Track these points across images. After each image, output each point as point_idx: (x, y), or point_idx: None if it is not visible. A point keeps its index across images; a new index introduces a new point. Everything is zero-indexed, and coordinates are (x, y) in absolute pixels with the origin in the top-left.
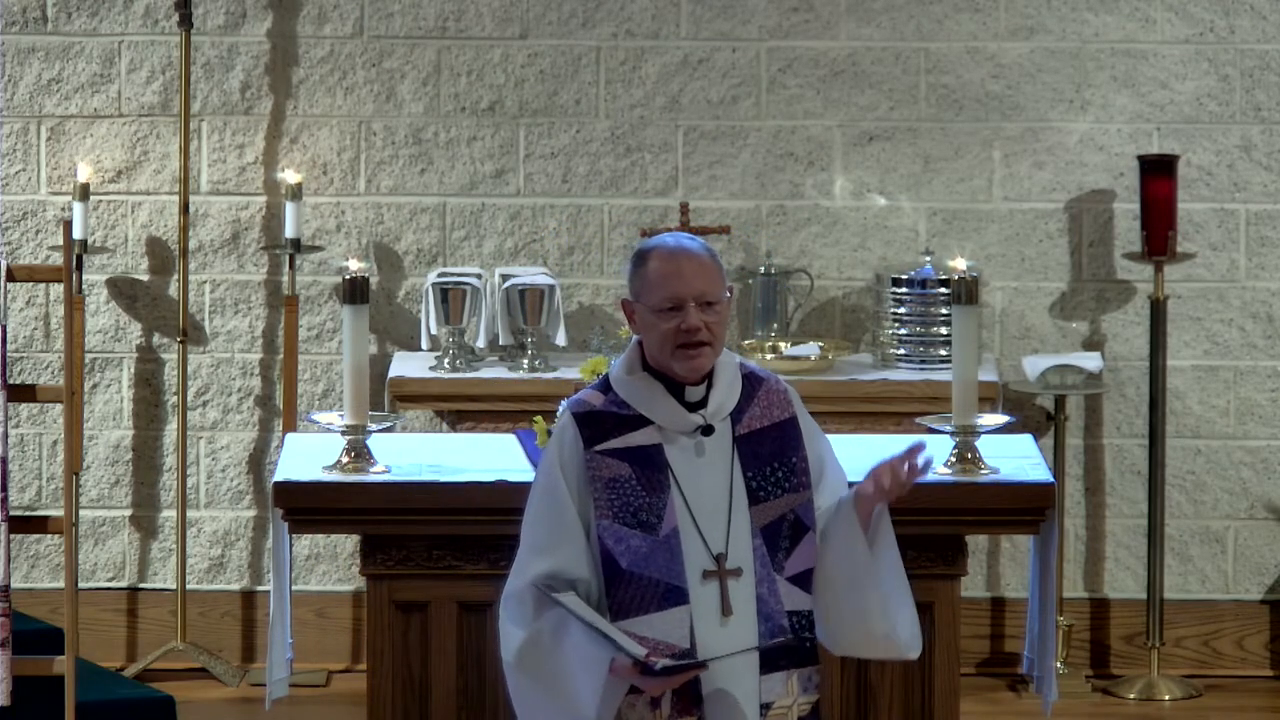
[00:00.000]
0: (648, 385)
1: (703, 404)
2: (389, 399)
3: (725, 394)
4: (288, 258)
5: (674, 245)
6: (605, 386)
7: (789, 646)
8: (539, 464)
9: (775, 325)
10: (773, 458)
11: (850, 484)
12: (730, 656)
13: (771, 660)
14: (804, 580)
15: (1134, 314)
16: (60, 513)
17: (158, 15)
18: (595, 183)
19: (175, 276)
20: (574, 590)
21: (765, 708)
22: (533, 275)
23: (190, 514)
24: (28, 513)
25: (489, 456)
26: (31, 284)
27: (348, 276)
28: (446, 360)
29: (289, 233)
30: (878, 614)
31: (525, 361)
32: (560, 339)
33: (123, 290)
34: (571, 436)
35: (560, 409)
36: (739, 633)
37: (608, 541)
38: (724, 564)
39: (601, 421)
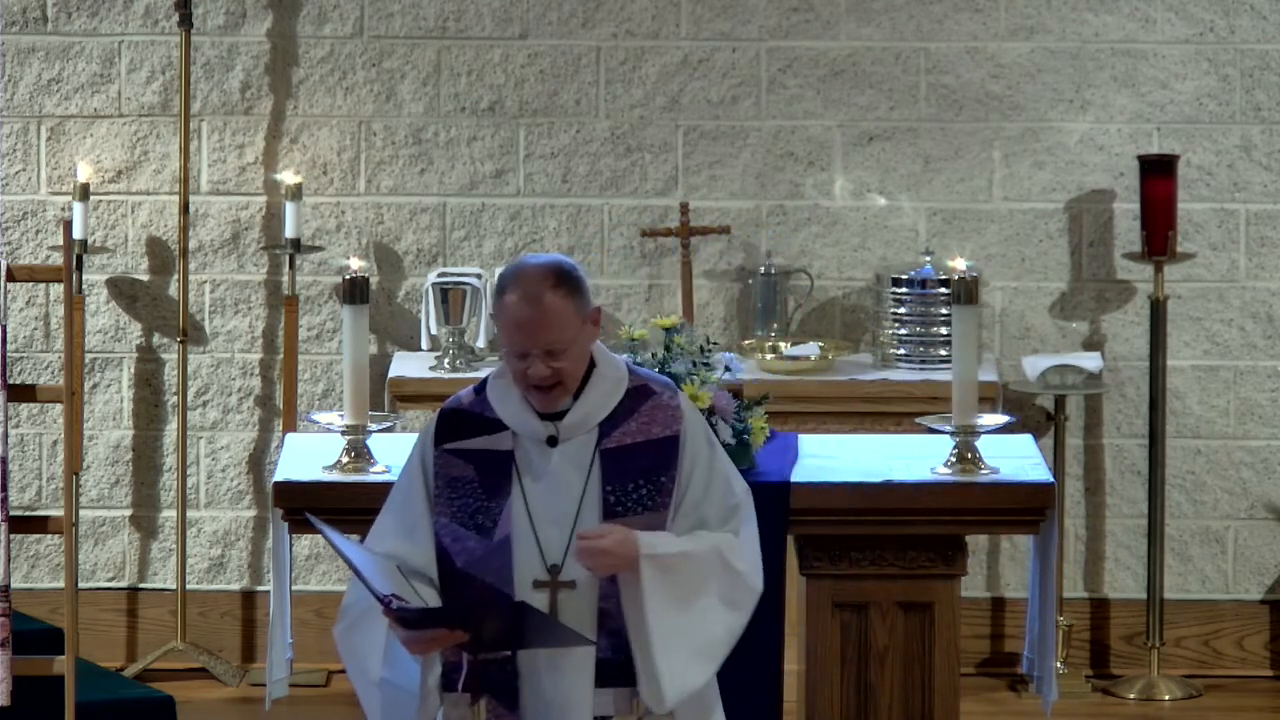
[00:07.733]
0: (509, 390)
1: (561, 415)
2: (389, 399)
3: (594, 406)
4: (288, 258)
5: (522, 293)
6: (481, 387)
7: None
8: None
9: (775, 325)
10: (639, 474)
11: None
12: (556, 664)
13: (610, 674)
14: None
15: (1134, 314)
16: (60, 513)
17: (158, 15)
18: (595, 183)
19: (175, 276)
20: (418, 580)
21: None
22: None
23: (190, 514)
24: (28, 513)
25: None
26: (31, 284)
27: (348, 276)
28: (446, 360)
29: (289, 233)
30: (642, 652)
31: None
32: None
33: (123, 290)
34: (430, 432)
35: None
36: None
37: (444, 539)
38: (557, 575)
39: (462, 421)
